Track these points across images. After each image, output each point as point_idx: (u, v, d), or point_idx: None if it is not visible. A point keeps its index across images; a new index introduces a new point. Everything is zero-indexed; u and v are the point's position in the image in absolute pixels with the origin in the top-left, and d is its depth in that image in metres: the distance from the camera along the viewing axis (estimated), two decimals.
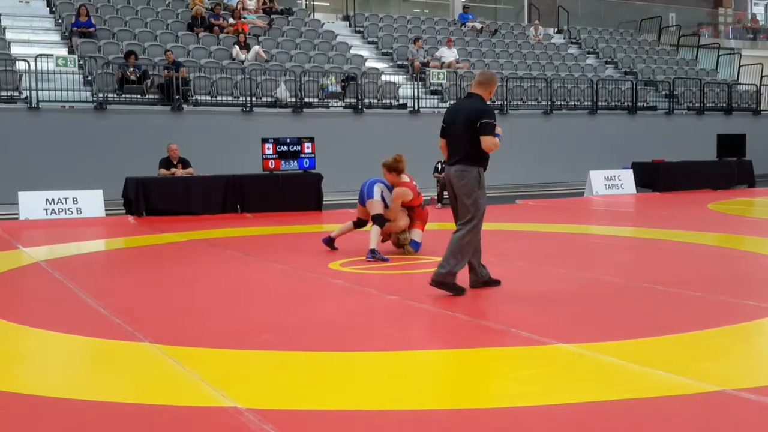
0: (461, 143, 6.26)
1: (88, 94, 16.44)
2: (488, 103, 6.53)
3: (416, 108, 19.34)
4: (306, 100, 18.15)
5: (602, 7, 31.04)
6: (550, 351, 4.63)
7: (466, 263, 6.33)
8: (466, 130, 6.20)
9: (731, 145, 19.97)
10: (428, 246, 9.27)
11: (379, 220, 8.47)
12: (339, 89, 18.66)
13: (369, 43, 22.85)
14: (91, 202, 13.55)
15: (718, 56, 28.01)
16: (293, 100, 17.97)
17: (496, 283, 6.64)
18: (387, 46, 22.33)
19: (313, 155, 14.87)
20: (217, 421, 3.59)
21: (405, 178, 8.71)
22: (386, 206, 8.61)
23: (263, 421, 3.51)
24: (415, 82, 20.00)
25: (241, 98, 17.49)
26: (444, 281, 6.24)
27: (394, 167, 8.63)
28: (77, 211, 13.40)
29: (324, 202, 14.80)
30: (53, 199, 13.33)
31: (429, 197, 15.84)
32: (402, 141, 15.93)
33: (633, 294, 6.47)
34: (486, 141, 6.14)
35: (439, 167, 15.55)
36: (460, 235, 6.24)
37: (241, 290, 6.92)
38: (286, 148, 14.73)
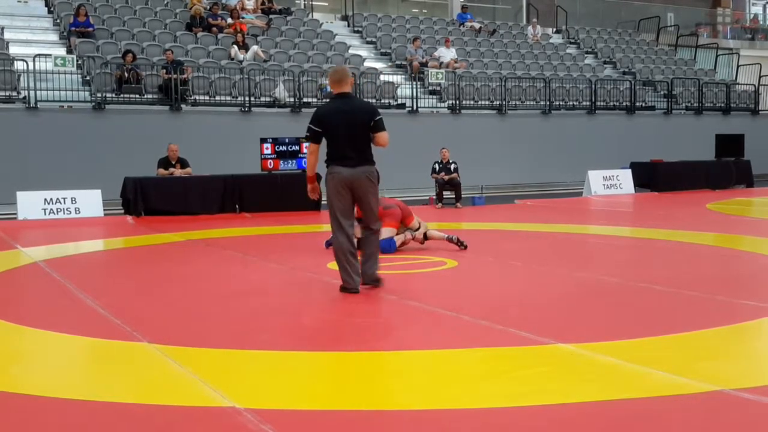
0: (357, 144, 6.35)
1: (87, 93, 16.43)
2: None
3: (415, 108, 19.34)
4: (304, 99, 18.14)
5: (601, 7, 31.04)
6: (550, 351, 4.62)
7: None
8: (363, 131, 6.35)
9: (729, 145, 20.00)
10: (430, 245, 9.27)
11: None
12: None
13: (367, 43, 22.85)
14: (90, 202, 13.54)
15: (717, 56, 28.03)
16: (292, 100, 17.96)
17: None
18: (385, 46, 22.33)
19: None
20: (215, 421, 3.58)
21: None
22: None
23: (262, 421, 3.50)
24: (414, 82, 20.00)
25: (239, 98, 17.48)
26: (377, 278, 6.59)
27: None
28: (76, 211, 13.39)
29: (323, 202, 14.78)
30: (52, 199, 13.32)
31: (427, 197, 15.86)
32: (400, 141, 15.86)
33: (632, 294, 6.46)
34: (384, 136, 6.37)
35: (437, 168, 15.54)
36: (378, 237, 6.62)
37: (239, 290, 6.91)
38: (284, 147, 14.74)
